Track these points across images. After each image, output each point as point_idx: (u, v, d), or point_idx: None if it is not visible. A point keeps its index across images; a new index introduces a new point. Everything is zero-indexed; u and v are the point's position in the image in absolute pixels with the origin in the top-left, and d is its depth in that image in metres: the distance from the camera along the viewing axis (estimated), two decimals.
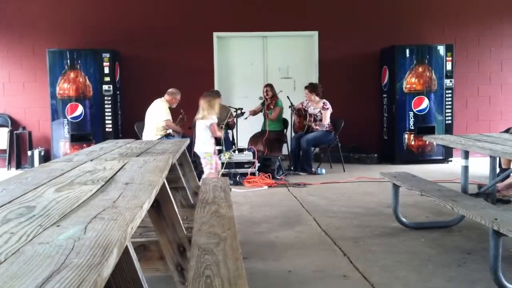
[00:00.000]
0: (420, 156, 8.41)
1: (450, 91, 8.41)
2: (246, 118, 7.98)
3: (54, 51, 8.13)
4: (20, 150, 8.58)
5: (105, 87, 8.11)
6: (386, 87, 8.72)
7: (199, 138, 5.83)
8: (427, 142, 8.18)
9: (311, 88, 7.72)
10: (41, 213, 1.48)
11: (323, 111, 7.63)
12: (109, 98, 8.14)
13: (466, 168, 4.27)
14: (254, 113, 8.16)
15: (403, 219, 4.39)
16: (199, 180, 4.68)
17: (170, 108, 7.37)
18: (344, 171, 7.56)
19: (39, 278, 0.95)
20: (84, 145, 7.61)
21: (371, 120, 8.99)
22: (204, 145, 5.79)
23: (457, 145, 4.07)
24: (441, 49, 8.40)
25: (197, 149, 5.89)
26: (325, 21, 8.96)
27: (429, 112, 8.38)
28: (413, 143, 8.41)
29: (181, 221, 2.62)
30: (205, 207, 3.02)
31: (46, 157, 8.33)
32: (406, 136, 8.40)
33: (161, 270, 2.82)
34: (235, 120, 7.72)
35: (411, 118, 8.36)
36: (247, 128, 8.04)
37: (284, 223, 4.69)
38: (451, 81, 8.41)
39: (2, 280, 0.95)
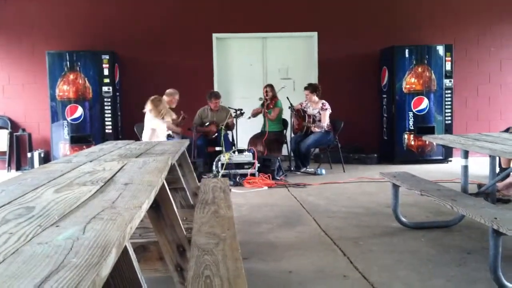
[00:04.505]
0: (420, 156, 8.40)
1: (449, 91, 8.41)
2: (249, 118, 7.98)
3: (54, 53, 8.14)
4: (20, 152, 8.58)
5: (104, 88, 8.12)
6: (385, 88, 8.72)
7: None
8: (427, 142, 8.18)
9: (312, 88, 7.71)
10: (40, 213, 1.48)
11: (322, 112, 7.63)
12: (109, 99, 8.15)
13: (465, 168, 4.27)
14: (255, 114, 8.14)
15: (403, 219, 4.39)
16: (199, 181, 4.67)
17: (170, 109, 7.37)
18: (344, 171, 7.56)
19: (37, 278, 0.96)
20: (84, 146, 7.60)
21: (370, 121, 8.99)
22: None
23: (457, 144, 4.07)
24: (440, 49, 8.40)
25: None
26: (324, 22, 8.96)
27: (428, 112, 8.38)
28: (413, 143, 8.40)
29: (180, 222, 2.62)
30: (204, 208, 3.02)
31: (46, 159, 8.33)
32: (406, 136, 8.40)
33: (161, 270, 2.83)
34: (234, 121, 7.72)
35: (411, 118, 8.36)
36: (247, 129, 8.05)
37: (284, 223, 4.69)
38: (450, 81, 8.41)
39: (1, 279, 0.95)
